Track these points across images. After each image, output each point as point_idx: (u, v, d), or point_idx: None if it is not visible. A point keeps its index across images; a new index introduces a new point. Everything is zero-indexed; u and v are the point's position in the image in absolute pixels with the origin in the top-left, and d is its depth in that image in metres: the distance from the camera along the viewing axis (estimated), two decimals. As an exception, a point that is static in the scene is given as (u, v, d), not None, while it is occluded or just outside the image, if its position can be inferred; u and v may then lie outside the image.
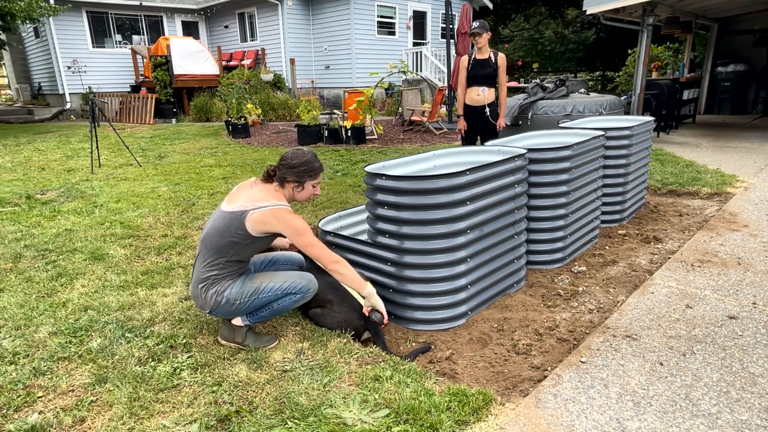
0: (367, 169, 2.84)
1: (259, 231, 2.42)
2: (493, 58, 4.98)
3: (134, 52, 16.14)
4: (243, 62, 16.78)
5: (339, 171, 7.03)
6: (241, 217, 2.39)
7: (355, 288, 2.57)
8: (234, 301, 2.47)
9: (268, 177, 2.54)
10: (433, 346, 2.65)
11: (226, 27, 18.48)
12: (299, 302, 2.58)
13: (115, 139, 10.42)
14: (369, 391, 2.16)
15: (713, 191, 5.31)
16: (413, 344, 2.69)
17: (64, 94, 15.92)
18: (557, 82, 7.51)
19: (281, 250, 3.00)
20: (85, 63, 15.93)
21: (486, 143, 3.73)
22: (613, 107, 6.89)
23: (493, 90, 5.09)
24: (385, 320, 2.60)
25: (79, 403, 2.16)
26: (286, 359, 2.45)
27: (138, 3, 16.33)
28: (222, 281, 2.48)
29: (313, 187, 2.59)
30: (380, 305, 2.57)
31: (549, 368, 2.39)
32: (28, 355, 2.54)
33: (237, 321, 2.57)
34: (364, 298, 2.59)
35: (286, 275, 2.57)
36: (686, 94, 10.47)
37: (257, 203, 2.42)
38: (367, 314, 2.63)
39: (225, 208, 2.47)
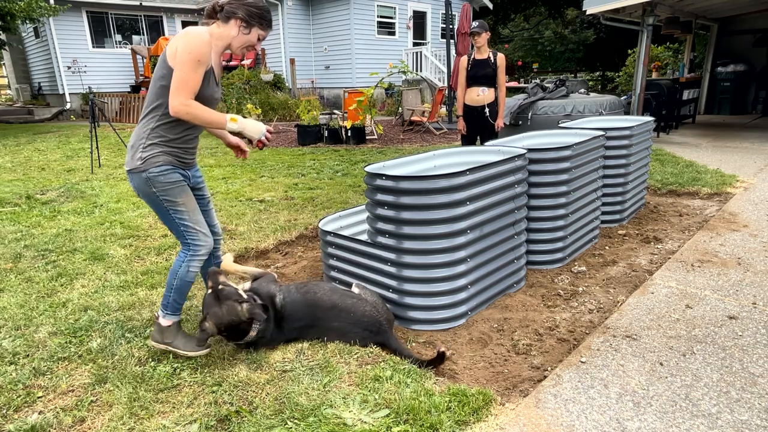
0: (367, 169, 2.84)
1: (173, 57, 2.18)
2: (492, 59, 4.98)
3: (134, 52, 16.14)
4: (243, 62, 16.75)
5: (339, 171, 7.03)
6: (164, 52, 2.23)
7: (218, 127, 2.31)
8: (151, 185, 2.28)
9: (212, 13, 2.29)
10: (448, 353, 2.45)
11: (226, 27, 18.46)
12: (192, 265, 2.41)
13: (115, 139, 10.42)
14: (369, 391, 2.16)
15: (713, 191, 5.31)
16: (413, 344, 2.69)
17: (64, 94, 15.93)
18: (557, 83, 7.52)
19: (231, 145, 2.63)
20: (85, 63, 15.94)
21: (486, 143, 3.73)
22: (613, 107, 6.89)
23: (492, 90, 5.09)
24: (264, 140, 2.36)
25: (79, 403, 2.16)
26: (285, 359, 2.44)
27: (138, 3, 16.34)
28: (151, 148, 2.27)
29: (258, 39, 2.35)
30: (252, 131, 2.32)
31: (549, 368, 2.39)
32: (28, 355, 2.54)
33: (164, 320, 2.46)
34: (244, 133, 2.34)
35: (199, 220, 2.42)
36: (686, 94, 10.48)
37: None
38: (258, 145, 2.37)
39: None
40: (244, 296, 2.42)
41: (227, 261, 2.78)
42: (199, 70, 2.18)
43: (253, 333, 2.42)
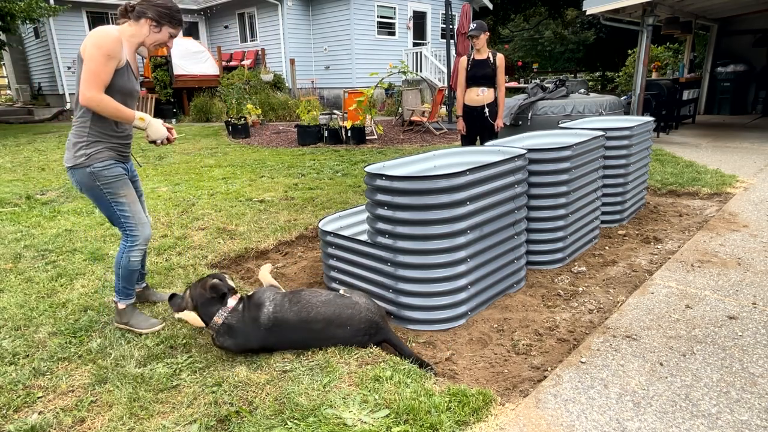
0: (367, 169, 2.84)
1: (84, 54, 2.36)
2: (491, 59, 4.99)
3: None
4: (243, 62, 16.77)
5: (339, 171, 7.03)
6: (80, 51, 2.36)
7: (126, 121, 2.51)
8: (95, 179, 2.51)
9: (125, 12, 2.49)
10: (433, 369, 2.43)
11: (226, 27, 18.49)
12: (132, 255, 2.67)
13: (115, 139, 10.40)
14: (369, 391, 2.16)
15: (713, 191, 5.31)
16: (413, 344, 2.69)
17: (64, 94, 15.92)
18: (557, 83, 7.52)
19: None
20: (85, 63, 15.91)
21: (486, 143, 3.74)
22: (613, 107, 6.89)
23: (492, 90, 5.09)
24: (171, 138, 2.66)
25: (79, 403, 2.16)
26: (285, 359, 2.44)
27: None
28: (94, 145, 2.49)
29: (170, 37, 2.55)
30: (153, 133, 2.59)
31: (549, 368, 2.39)
32: (28, 356, 2.54)
33: (120, 304, 2.75)
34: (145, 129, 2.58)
35: (137, 211, 2.67)
36: (686, 95, 10.48)
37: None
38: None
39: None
40: (218, 282, 2.55)
41: (264, 270, 3.09)
42: (110, 64, 2.35)
43: (218, 320, 2.46)
